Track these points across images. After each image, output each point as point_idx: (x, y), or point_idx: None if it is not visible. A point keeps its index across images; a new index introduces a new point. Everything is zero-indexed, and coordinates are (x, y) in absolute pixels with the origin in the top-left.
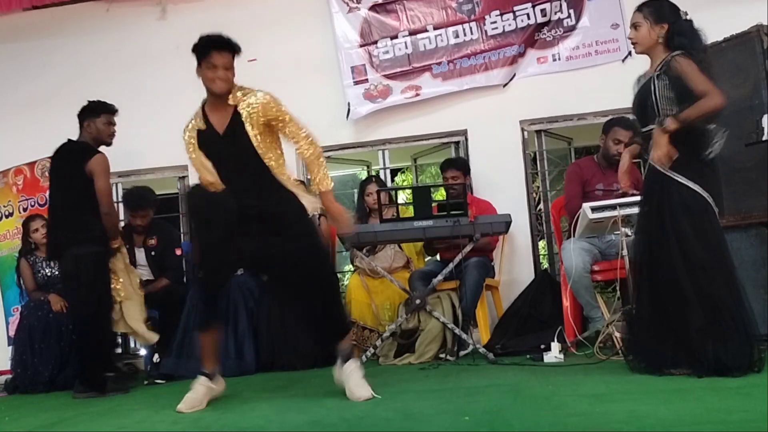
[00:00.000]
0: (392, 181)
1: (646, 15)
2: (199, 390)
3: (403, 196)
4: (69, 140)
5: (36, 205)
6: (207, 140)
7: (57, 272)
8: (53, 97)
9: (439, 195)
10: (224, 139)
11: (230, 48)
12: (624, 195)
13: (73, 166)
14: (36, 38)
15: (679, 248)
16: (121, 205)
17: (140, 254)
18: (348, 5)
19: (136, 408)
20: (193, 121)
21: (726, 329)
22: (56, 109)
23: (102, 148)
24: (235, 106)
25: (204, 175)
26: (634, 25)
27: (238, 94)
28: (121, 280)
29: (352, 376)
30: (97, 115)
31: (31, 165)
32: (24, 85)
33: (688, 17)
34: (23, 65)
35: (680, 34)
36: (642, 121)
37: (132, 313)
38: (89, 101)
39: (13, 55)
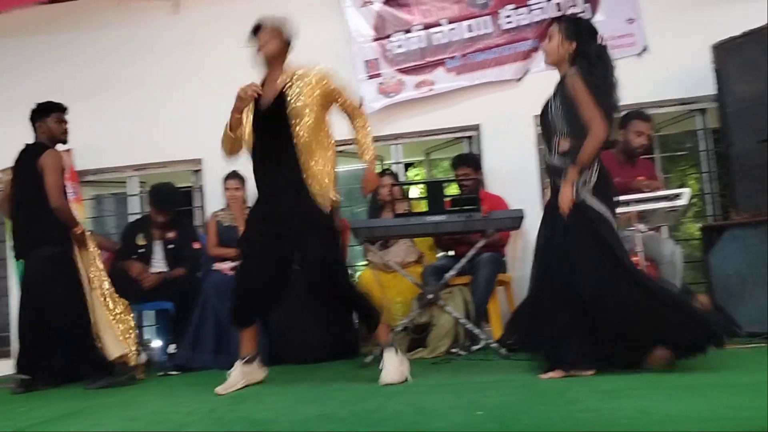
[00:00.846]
0: (405, 175)
1: (560, 29)
2: (235, 373)
3: (415, 191)
4: (26, 144)
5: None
6: (254, 112)
7: None
8: (68, 90)
9: (452, 190)
10: (265, 119)
11: (256, 30)
12: (640, 190)
13: (28, 167)
14: (51, 32)
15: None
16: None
17: (158, 247)
18: None
19: (151, 399)
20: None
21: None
22: (71, 103)
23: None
24: (282, 88)
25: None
26: (549, 36)
27: (292, 74)
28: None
29: (384, 363)
30: (47, 114)
31: None
32: (39, 78)
33: (603, 43)
34: (38, 59)
35: (583, 55)
36: (545, 135)
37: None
38: (37, 103)
39: (28, 49)
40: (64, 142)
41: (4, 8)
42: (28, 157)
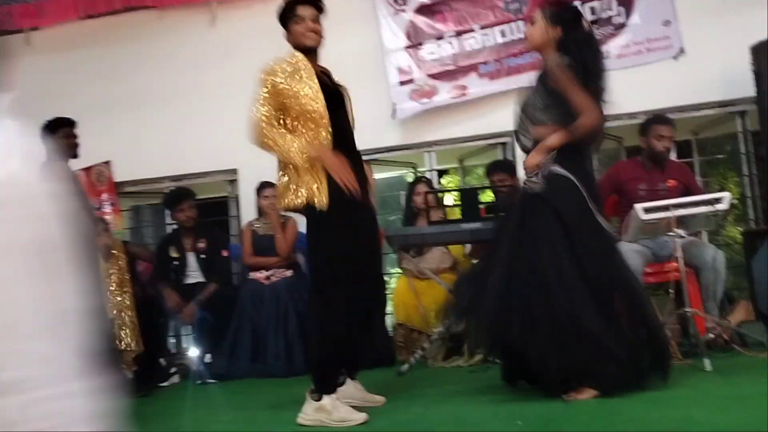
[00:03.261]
0: (438, 182)
1: (546, 14)
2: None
3: (450, 198)
4: None
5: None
6: (324, 89)
7: None
8: (107, 103)
9: (486, 197)
10: (336, 99)
11: (313, 2)
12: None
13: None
14: (90, 47)
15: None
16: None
17: (191, 258)
18: (394, 7)
19: (191, 408)
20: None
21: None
22: (110, 115)
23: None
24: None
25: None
26: (531, 20)
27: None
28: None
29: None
30: (55, 131)
31: (87, 170)
32: (79, 92)
33: (589, 29)
34: (78, 74)
35: (572, 41)
36: (520, 126)
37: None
38: (46, 121)
39: (68, 63)
40: (75, 156)
41: (45, 24)
42: None
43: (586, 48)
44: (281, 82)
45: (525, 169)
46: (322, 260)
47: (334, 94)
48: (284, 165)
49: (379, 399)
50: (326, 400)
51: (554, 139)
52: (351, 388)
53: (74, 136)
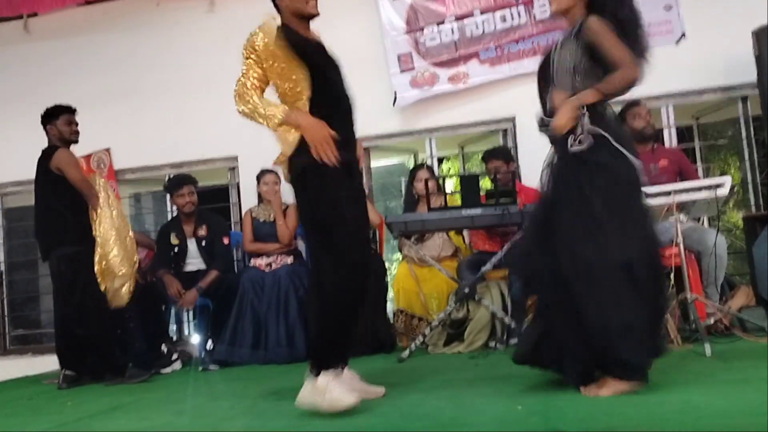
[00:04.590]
0: (439, 169)
1: None
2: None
3: (450, 185)
4: (42, 150)
5: None
6: (320, 51)
7: None
8: (107, 90)
9: (487, 183)
10: (334, 66)
11: None
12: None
13: (42, 170)
14: (89, 33)
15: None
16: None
17: (192, 245)
18: None
19: (193, 394)
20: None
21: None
22: (110, 103)
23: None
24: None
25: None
26: None
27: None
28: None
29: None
30: (56, 117)
31: (87, 158)
32: (78, 79)
33: None
34: (77, 60)
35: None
36: (541, 92)
37: (112, 266)
38: (46, 108)
39: (67, 50)
40: (75, 142)
41: (44, 10)
42: (43, 161)
43: (621, 4)
44: (265, 43)
45: (553, 129)
46: (326, 219)
47: (330, 62)
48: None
49: (379, 390)
50: (322, 378)
51: (588, 94)
52: (348, 379)
53: (75, 123)
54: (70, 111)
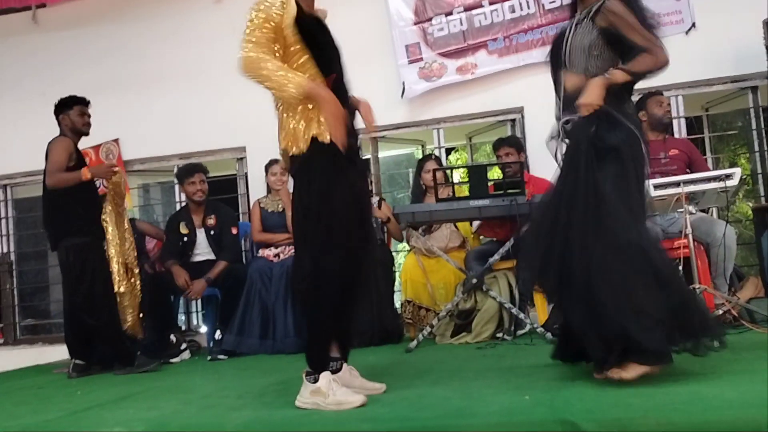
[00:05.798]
0: (446, 160)
1: None
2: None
3: (458, 175)
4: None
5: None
6: (319, 32)
7: None
8: (115, 81)
9: (495, 174)
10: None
11: None
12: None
13: (46, 160)
14: (98, 24)
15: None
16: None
17: (201, 235)
18: None
19: (201, 383)
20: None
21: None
22: (118, 93)
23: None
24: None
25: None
26: None
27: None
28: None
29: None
30: (70, 107)
31: (96, 148)
32: (86, 70)
33: None
34: (85, 51)
35: None
36: (553, 69)
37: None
38: (61, 98)
39: (75, 41)
40: (86, 134)
41: (52, 1)
42: (46, 151)
43: None
44: (277, 13)
45: (580, 107)
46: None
47: (332, 43)
48: (286, 107)
49: (379, 386)
50: (322, 381)
51: (617, 74)
52: (347, 375)
53: (87, 114)
54: (84, 102)
